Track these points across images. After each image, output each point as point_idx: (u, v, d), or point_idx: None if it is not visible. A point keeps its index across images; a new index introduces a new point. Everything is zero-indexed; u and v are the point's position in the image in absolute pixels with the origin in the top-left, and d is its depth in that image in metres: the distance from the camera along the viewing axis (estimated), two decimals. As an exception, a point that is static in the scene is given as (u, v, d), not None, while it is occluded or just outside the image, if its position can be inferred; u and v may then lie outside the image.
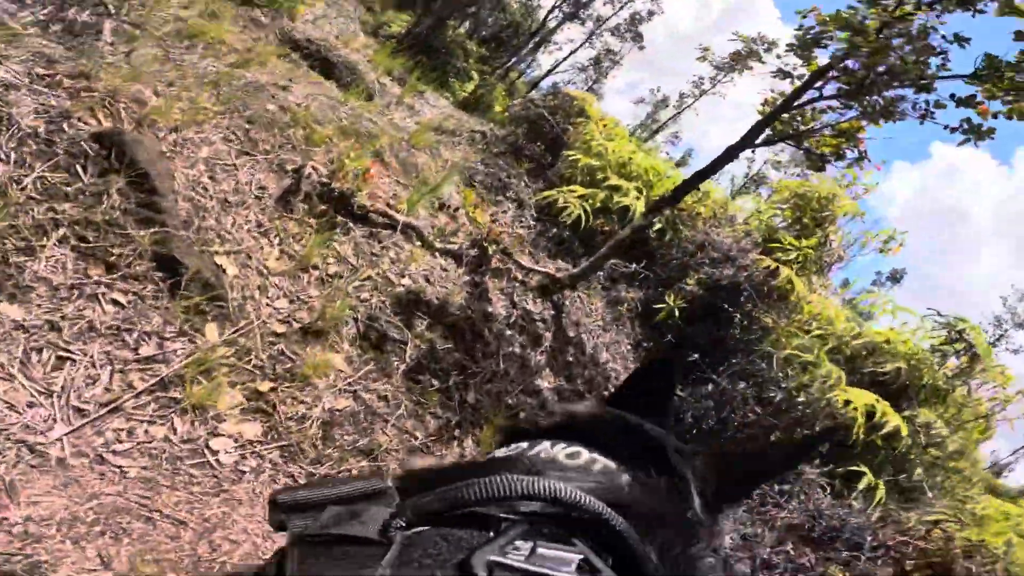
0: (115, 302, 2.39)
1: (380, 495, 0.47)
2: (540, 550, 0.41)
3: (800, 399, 5.67)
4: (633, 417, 0.64)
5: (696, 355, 5.95)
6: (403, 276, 3.40)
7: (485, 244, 4.42)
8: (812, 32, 3.71)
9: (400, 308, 3.23)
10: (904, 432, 5.43)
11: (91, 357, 2.34)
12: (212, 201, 2.80)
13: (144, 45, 3.50)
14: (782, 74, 4.67)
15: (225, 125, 3.29)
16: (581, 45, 16.80)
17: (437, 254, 3.78)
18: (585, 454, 0.55)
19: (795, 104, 4.51)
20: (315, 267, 3.01)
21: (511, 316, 4.10)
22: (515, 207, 6.61)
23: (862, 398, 5.51)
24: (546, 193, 6.59)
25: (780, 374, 5.90)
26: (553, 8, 14.55)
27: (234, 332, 2.54)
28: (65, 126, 2.56)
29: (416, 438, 2.98)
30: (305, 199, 3.18)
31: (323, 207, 3.24)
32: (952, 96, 4.05)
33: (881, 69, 3.85)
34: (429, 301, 3.37)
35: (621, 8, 15.60)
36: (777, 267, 6.33)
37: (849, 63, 4.22)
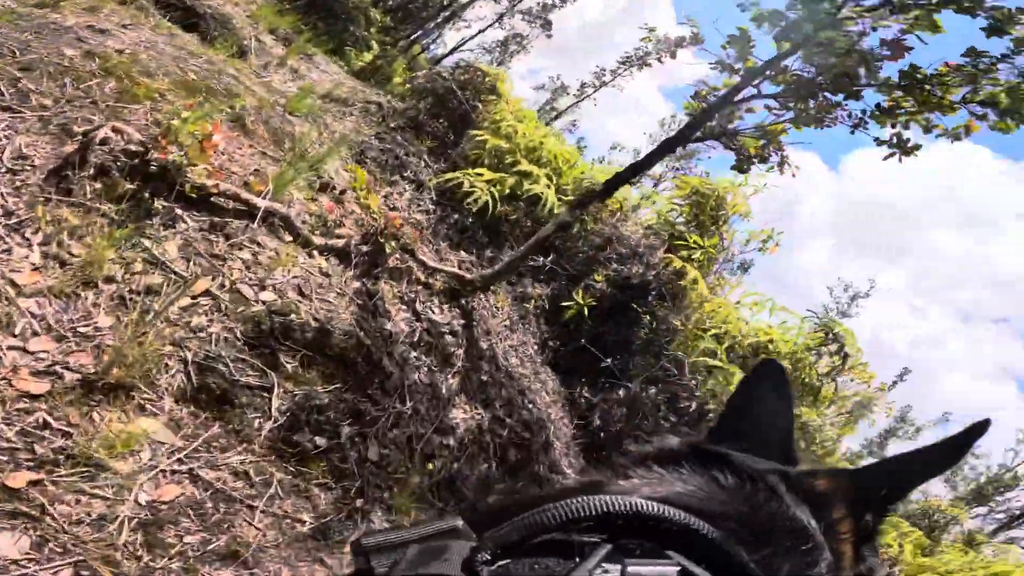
0: None
1: (455, 532, 0.45)
2: (631, 568, 0.39)
3: (711, 407, 5.40)
4: (719, 448, 0.59)
5: (608, 359, 5.54)
6: (263, 288, 2.28)
7: (381, 239, 3.39)
8: (780, 25, 3.09)
9: (259, 338, 2.12)
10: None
11: None
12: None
13: None
14: (721, 67, 4.11)
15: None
16: (491, 24, 15.73)
17: (316, 253, 2.69)
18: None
19: (735, 100, 3.97)
20: (110, 279, 1.84)
21: (415, 331, 3.15)
22: (413, 189, 5.66)
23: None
24: (450, 175, 5.74)
25: (692, 381, 5.59)
26: (467, -18, 13.41)
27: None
28: None
29: (303, 522, 1.96)
30: (97, 175, 1.98)
31: (130, 187, 2.05)
32: (878, 106, 3.75)
33: (836, 72, 3.37)
34: (304, 324, 2.29)
35: (534, -10, 14.79)
36: (684, 267, 6.10)
37: (787, 62, 3.74)
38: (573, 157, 6.79)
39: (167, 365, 1.75)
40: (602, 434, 5.13)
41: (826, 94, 3.37)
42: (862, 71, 3.52)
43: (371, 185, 3.24)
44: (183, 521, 1.75)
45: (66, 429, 1.55)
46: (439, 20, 15.45)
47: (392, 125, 6.19)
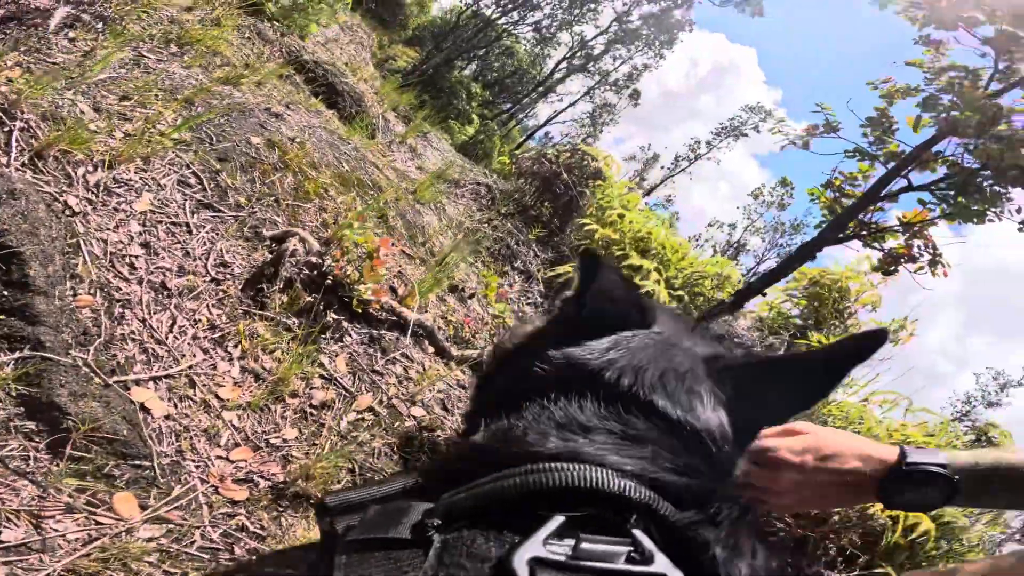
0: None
1: (418, 490, 0.46)
2: (584, 545, 0.39)
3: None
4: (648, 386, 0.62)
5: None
6: (413, 403, 2.37)
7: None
8: (936, 111, 2.98)
9: (411, 453, 2.18)
10: (932, 533, 4.83)
11: None
12: (140, 288, 1.78)
13: (112, 44, 2.54)
14: (861, 154, 3.89)
15: (187, 162, 2.29)
16: (582, 97, 16.55)
17: (453, 365, 2.78)
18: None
19: (882, 194, 3.76)
20: (294, 394, 1.98)
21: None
22: (522, 280, 5.77)
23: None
24: (560, 269, 5.80)
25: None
26: (563, 59, 14.27)
27: (164, 503, 1.52)
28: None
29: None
30: (285, 287, 2.17)
31: (309, 299, 2.23)
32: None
33: (1006, 164, 3.15)
34: (448, 440, 2.36)
35: (623, 63, 15.53)
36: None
37: (949, 147, 3.49)
38: (683, 248, 6.75)
39: (339, 478, 1.83)
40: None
41: (993, 185, 3.13)
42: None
43: (503, 294, 3.34)
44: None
45: (260, 532, 1.63)
46: (533, 95, 16.43)
47: (502, 211, 6.43)
